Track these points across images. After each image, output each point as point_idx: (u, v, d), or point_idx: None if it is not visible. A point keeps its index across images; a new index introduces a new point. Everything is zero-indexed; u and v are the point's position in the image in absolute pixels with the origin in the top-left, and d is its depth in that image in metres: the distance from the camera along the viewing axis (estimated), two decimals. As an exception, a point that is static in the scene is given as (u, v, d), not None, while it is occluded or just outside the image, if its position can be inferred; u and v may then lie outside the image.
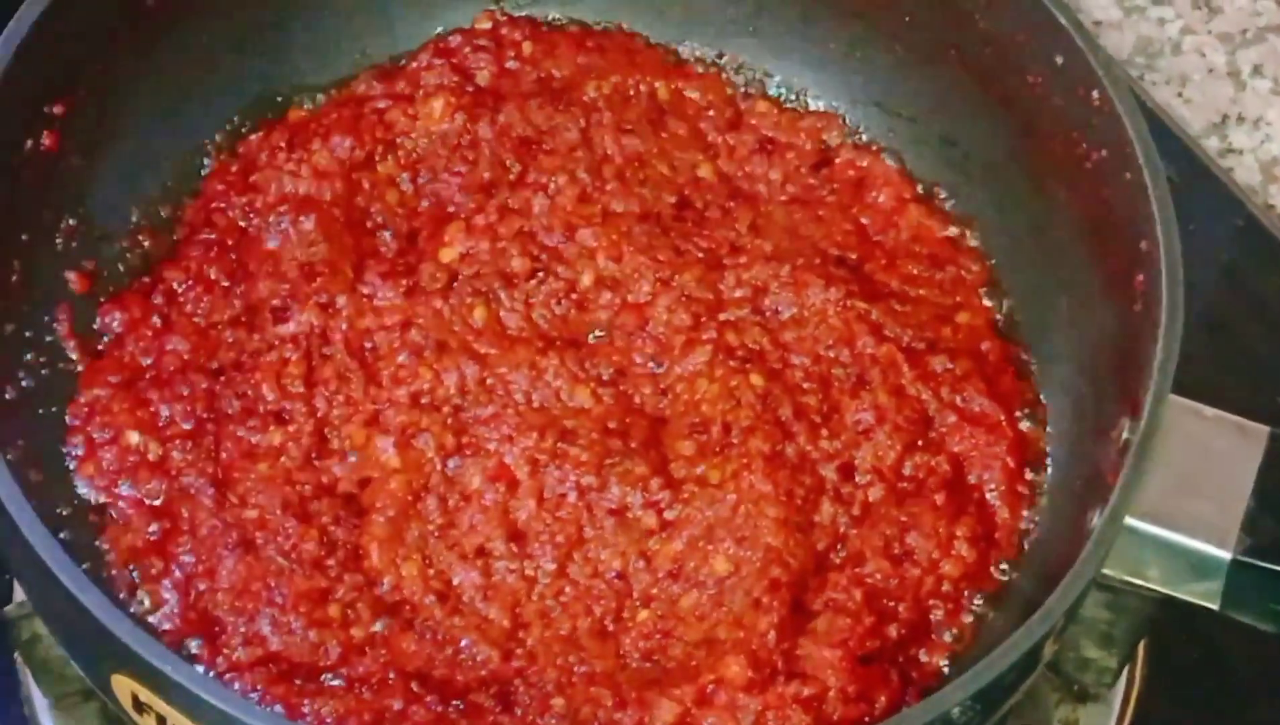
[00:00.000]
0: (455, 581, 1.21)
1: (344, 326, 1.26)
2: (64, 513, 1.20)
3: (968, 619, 1.23)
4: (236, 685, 1.16)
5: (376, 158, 1.33)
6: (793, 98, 1.41)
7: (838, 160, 1.38)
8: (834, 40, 1.39)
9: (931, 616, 1.22)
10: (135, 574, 1.21)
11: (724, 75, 1.41)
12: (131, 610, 1.19)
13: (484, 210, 1.32)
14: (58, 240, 1.26)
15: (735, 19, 1.41)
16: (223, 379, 1.26)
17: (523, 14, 1.41)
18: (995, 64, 1.30)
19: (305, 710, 1.15)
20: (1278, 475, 1.15)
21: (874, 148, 1.39)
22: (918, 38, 1.35)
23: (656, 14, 1.41)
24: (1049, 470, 1.27)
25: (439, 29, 1.40)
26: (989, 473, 1.25)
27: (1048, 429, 1.28)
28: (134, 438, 1.23)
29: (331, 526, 1.22)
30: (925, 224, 1.36)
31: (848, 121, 1.40)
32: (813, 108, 1.41)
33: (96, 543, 1.21)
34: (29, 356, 1.23)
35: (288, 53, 1.37)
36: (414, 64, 1.38)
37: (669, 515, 1.22)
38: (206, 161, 1.35)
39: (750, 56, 1.41)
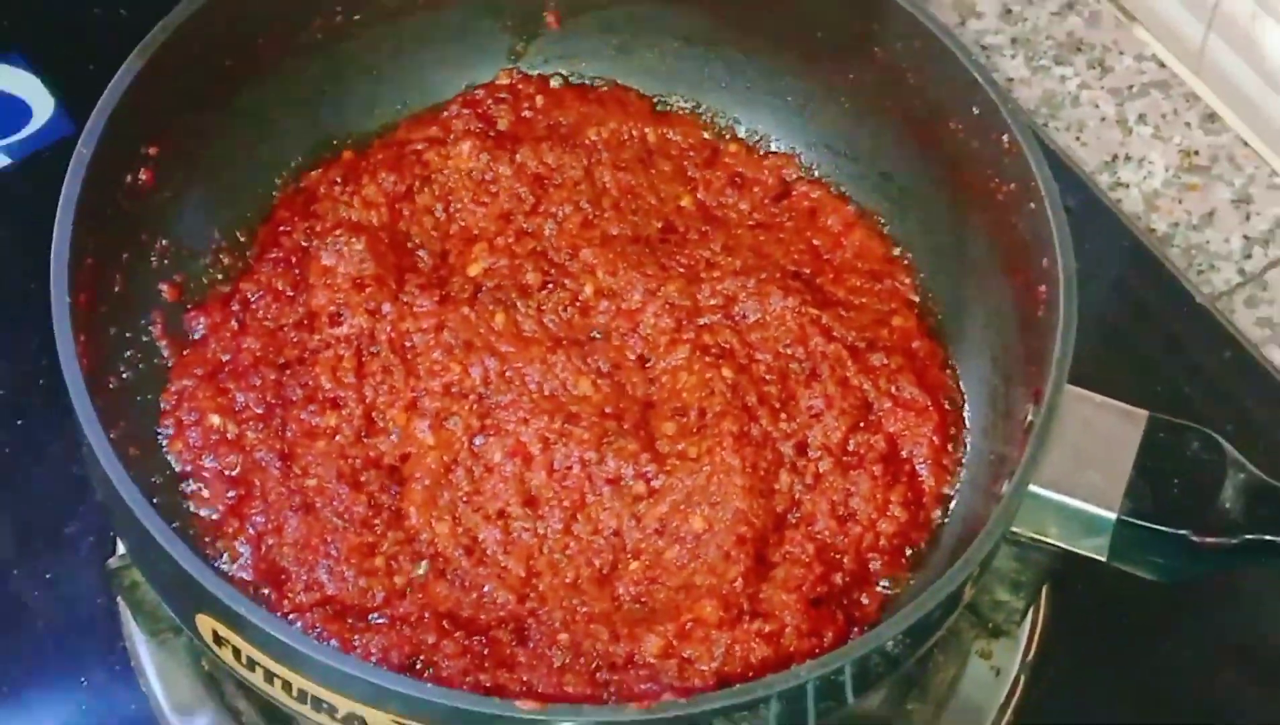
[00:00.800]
0: (480, 538, 1.20)
1: (388, 329, 1.26)
2: (157, 482, 1.20)
3: (901, 569, 1.22)
4: (299, 623, 1.16)
5: (415, 190, 1.32)
6: (758, 141, 1.40)
7: (795, 192, 1.37)
8: (791, 94, 1.38)
9: (871, 567, 1.22)
10: (216, 531, 1.20)
11: (701, 122, 1.40)
12: (212, 562, 1.19)
13: (504, 233, 1.32)
14: (152, 258, 1.26)
15: (710, 77, 1.40)
16: (288, 372, 1.25)
17: (535, 73, 1.41)
18: (924, 114, 1.30)
19: (355, 644, 1.15)
20: (1155, 451, 1.15)
21: (824, 182, 1.38)
22: (860, 93, 1.35)
23: (646, 72, 1.41)
24: (967, 447, 1.26)
25: (466, 85, 1.39)
26: (918, 448, 1.25)
27: (966, 413, 1.28)
28: (215, 420, 1.23)
29: (378, 493, 1.21)
30: (866, 245, 1.35)
31: (803, 161, 1.39)
32: (774, 149, 1.39)
33: (184, 506, 1.21)
34: (128, 354, 1.24)
35: (342, 105, 1.36)
36: (446, 113, 1.36)
37: (655, 484, 1.21)
38: (275, 193, 1.34)
39: (723, 107, 1.41)
